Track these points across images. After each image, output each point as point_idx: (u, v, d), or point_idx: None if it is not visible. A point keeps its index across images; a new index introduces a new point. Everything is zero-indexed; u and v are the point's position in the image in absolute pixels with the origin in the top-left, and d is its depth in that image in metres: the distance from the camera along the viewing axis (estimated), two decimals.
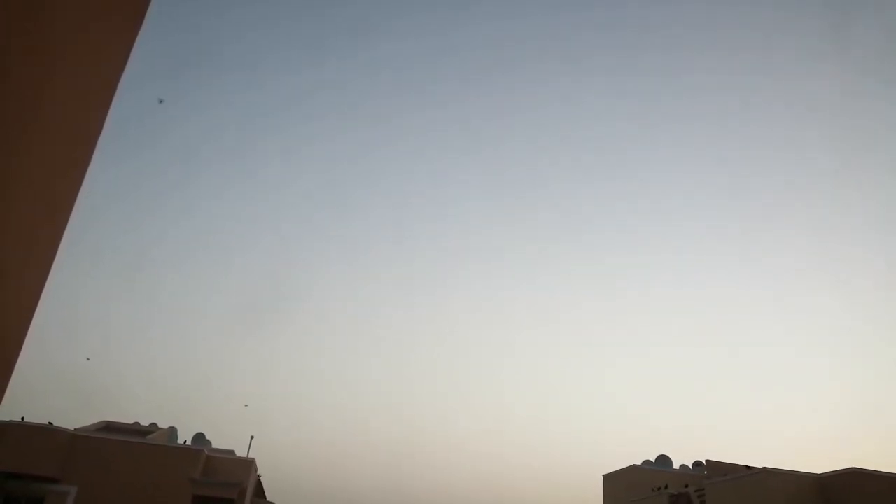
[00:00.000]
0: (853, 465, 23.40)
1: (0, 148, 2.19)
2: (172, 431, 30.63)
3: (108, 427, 29.75)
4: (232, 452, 30.97)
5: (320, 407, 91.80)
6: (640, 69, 71.64)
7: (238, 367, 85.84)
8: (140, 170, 76.25)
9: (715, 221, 78.84)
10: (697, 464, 33.79)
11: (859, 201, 67.13)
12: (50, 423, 25.21)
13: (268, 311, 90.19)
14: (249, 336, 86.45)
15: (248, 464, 28.37)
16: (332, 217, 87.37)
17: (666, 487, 30.15)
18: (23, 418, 25.01)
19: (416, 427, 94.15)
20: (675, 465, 34.24)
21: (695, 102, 72.51)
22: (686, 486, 29.58)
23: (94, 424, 29.54)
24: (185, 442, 30.25)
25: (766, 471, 24.75)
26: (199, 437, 30.41)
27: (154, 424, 31.88)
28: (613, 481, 33.86)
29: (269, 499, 33.32)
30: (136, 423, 31.98)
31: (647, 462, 34.08)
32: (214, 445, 30.70)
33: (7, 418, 23.79)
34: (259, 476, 31.63)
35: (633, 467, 33.07)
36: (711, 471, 29.62)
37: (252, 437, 33.96)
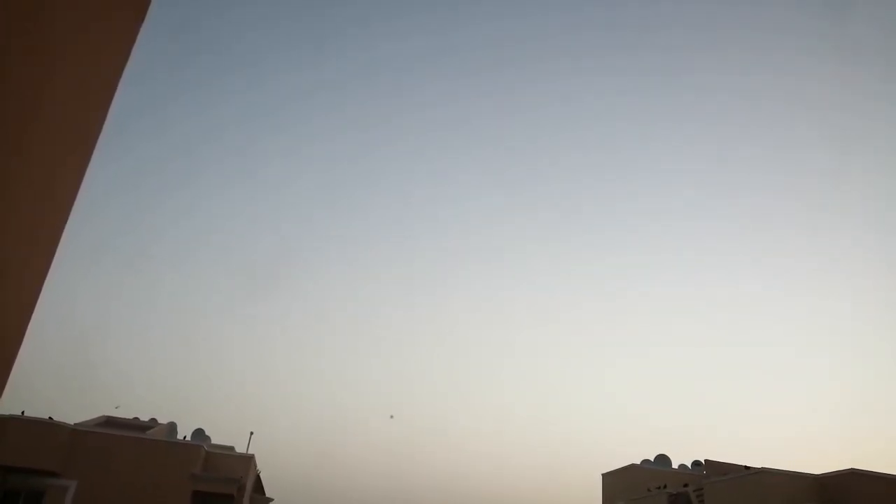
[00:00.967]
0: (852, 466, 23.44)
1: (0, 147, 2.19)
2: (172, 427, 30.66)
3: (109, 422, 29.80)
4: (232, 448, 31.00)
5: (320, 404, 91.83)
6: (640, 68, 71.64)
7: (238, 364, 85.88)
8: (140, 168, 76.25)
9: (714, 221, 78.78)
10: (696, 463, 33.81)
11: (858, 201, 67.12)
12: (50, 418, 25.24)
13: (267, 308, 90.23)
14: (249, 333, 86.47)
15: (248, 460, 28.40)
16: (333, 216, 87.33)
17: (665, 487, 30.16)
18: (23, 412, 25.05)
19: (415, 425, 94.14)
20: (675, 465, 34.27)
21: (694, 102, 72.52)
22: (685, 485, 29.60)
23: (94, 419, 29.59)
24: (184, 437, 30.29)
25: (764, 471, 24.76)
26: (199, 433, 30.46)
27: (154, 420, 31.93)
28: (613, 480, 33.90)
29: (268, 495, 33.36)
30: (136, 419, 32.03)
31: (646, 461, 34.10)
32: (214, 441, 30.75)
33: (7, 413, 23.85)
34: (259, 472, 31.67)
35: (633, 466, 33.09)
36: (710, 470, 29.65)
37: (252, 434, 33.99)
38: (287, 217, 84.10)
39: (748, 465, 27.38)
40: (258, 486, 31.85)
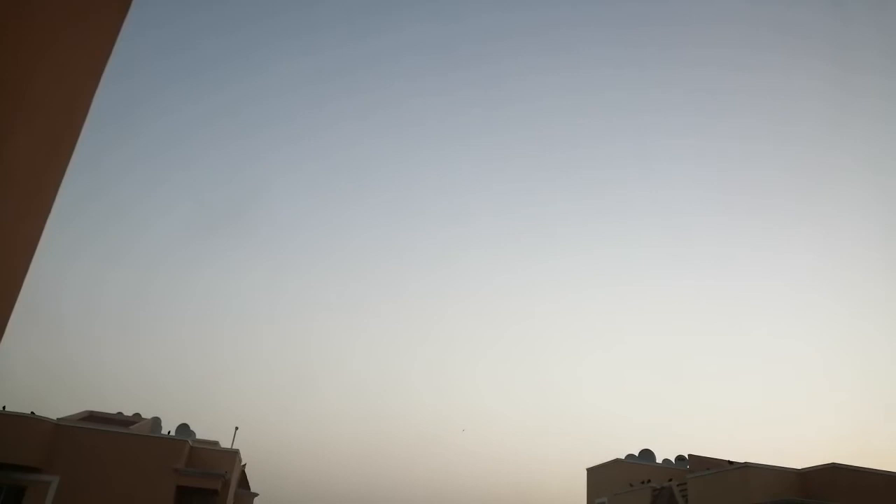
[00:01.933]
0: (834, 461, 23.72)
1: None
2: (156, 422, 30.49)
3: (91, 417, 29.58)
4: (216, 443, 30.89)
5: (305, 399, 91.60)
6: (637, 61, 71.89)
7: (223, 360, 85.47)
8: (123, 163, 75.61)
9: (702, 216, 79.28)
10: (680, 458, 34.05)
11: (853, 194, 67.72)
12: (32, 413, 25.02)
13: (255, 304, 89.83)
14: (235, 329, 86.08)
15: (233, 454, 28.30)
16: (327, 215, 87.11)
17: (649, 481, 30.35)
18: (3, 407, 24.81)
19: (398, 420, 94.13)
20: (659, 460, 34.49)
21: (695, 97, 72.80)
22: (669, 480, 29.80)
23: (76, 414, 29.37)
24: (168, 433, 30.14)
25: (747, 465, 24.98)
26: (183, 428, 30.31)
27: (137, 415, 31.73)
28: (597, 475, 34.05)
29: (253, 489, 33.29)
30: (120, 414, 31.83)
31: (630, 456, 34.29)
32: (198, 436, 30.62)
33: None
34: (244, 466, 31.60)
35: (617, 461, 33.25)
36: (694, 465, 29.85)
37: (237, 429, 33.90)
38: (282, 212, 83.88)
39: (731, 459, 27.62)
40: (243, 481, 31.77)
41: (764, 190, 73.15)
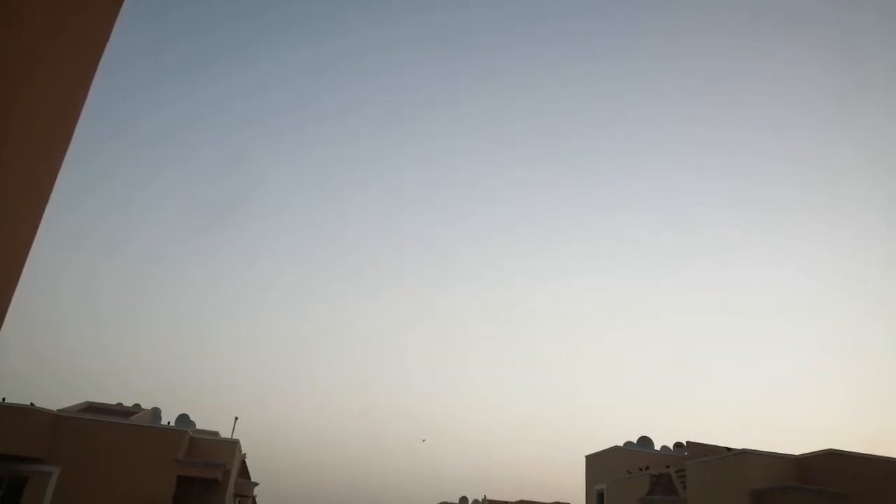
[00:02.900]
0: (831, 447, 23.78)
1: None
2: (156, 412, 30.53)
3: (91, 408, 29.60)
4: (216, 434, 30.94)
5: (303, 390, 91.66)
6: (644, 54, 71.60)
7: (222, 352, 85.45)
8: (119, 157, 75.25)
9: (704, 206, 79.17)
10: (678, 445, 34.18)
11: (852, 187, 67.61)
12: (32, 404, 25.03)
13: (253, 298, 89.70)
14: (232, 321, 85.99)
15: (233, 444, 28.34)
16: (326, 215, 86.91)
17: (647, 468, 30.49)
18: (3, 399, 24.81)
19: (398, 410, 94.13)
20: (657, 447, 34.62)
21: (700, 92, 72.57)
22: (667, 466, 29.93)
23: (76, 405, 29.39)
24: (168, 423, 30.19)
25: (745, 452, 25.05)
26: (183, 419, 30.36)
27: (137, 405, 31.77)
28: (596, 462, 34.18)
29: (253, 479, 33.40)
30: (119, 404, 31.86)
31: (629, 443, 34.42)
32: (198, 427, 30.66)
33: None
34: (244, 456, 31.67)
35: (615, 448, 33.37)
36: (692, 452, 29.96)
37: (236, 419, 34.02)
38: (281, 209, 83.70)
39: (729, 446, 27.71)
40: (244, 471, 31.85)
41: (768, 180, 73.10)
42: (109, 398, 32.08)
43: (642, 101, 74.99)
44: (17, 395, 25.88)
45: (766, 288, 74.83)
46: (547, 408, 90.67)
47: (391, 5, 72.70)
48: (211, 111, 79.78)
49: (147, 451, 25.33)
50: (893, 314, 65.66)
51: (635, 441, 34.74)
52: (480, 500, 51.00)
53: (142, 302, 76.78)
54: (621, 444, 34.19)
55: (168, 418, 30.76)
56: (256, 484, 33.80)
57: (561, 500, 38.05)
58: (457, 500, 56.34)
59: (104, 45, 2.69)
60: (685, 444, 32.12)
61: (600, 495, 32.87)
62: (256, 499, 39.88)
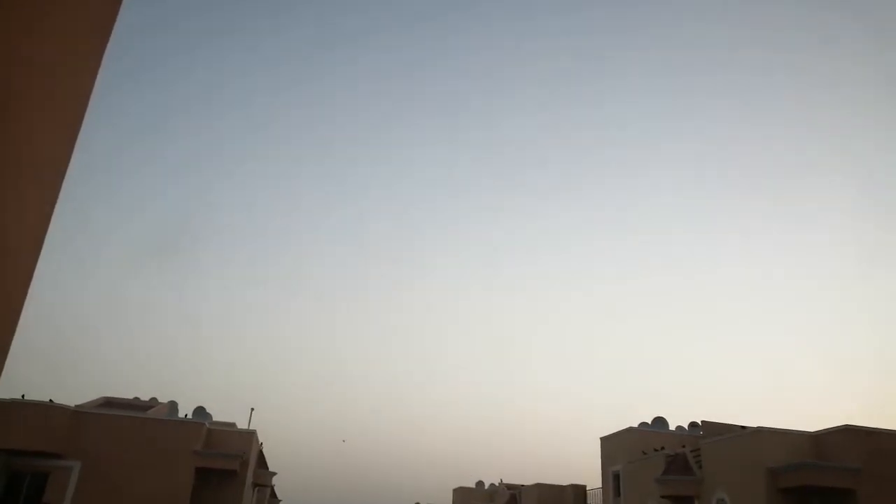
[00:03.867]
0: (847, 423, 23.64)
1: None
2: (173, 405, 30.76)
3: (109, 403, 29.88)
4: (233, 425, 31.18)
5: (321, 380, 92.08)
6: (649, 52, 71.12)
7: (238, 344, 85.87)
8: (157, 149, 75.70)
9: (722, 188, 78.69)
10: (693, 425, 34.12)
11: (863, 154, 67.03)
12: (51, 401, 25.30)
13: (270, 290, 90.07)
14: (248, 315, 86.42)
15: (250, 435, 28.57)
16: (331, 206, 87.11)
17: (662, 449, 30.46)
18: (23, 396, 25.09)
19: (414, 394, 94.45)
20: (672, 427, 34.57)
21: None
22: (682, 446, 29.90)
23: (94, 400, 29.67)
24: (185, 416, 30.43)
25: (760, 430, 24.98)
26: (200, 411, 30.58)
27: (154, 399, 32.02)
28: (611, 444, 34.15)
29: (271, 469, 33.65)
30: (137, 399, 32.12)
31: (643, 424, 34.39)
32: (215, 419, 30.91)
33: (7, 397, 23.88)
34: (261, 446, 31.90)
35: (630, 429, 33.32)
36: (707, 431, 29.91)
37: (252, 410, 34.26)
38: (284, 203, 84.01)
39: (744, 425, 27.63)
40: (261, 461, 32.10)
41: (780, 163, 72.52)
42: (126, 393, 32.35)
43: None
44: (36, 392, 26.17)
45: (782, 270, 74.47)
46: (562, 390, 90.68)
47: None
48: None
49: (165, 444, 25.59)
50: None
51: (650, 422, 34.72)
52: (497, 483, 51.25)
53: (158, 298, 77.31)
54: (636, 425, 34.18)
55: (185, 411, 31.02)
56: (274, 473, 34.06)
57: (577, 483, 38.16)
58: (473, 485, 56.60)
59: (105, 45, 2.73)
60: (700, 423, 32.08)
61: (616, 477, 32.88)
62: (275, 488, 40.23)
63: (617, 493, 32.68)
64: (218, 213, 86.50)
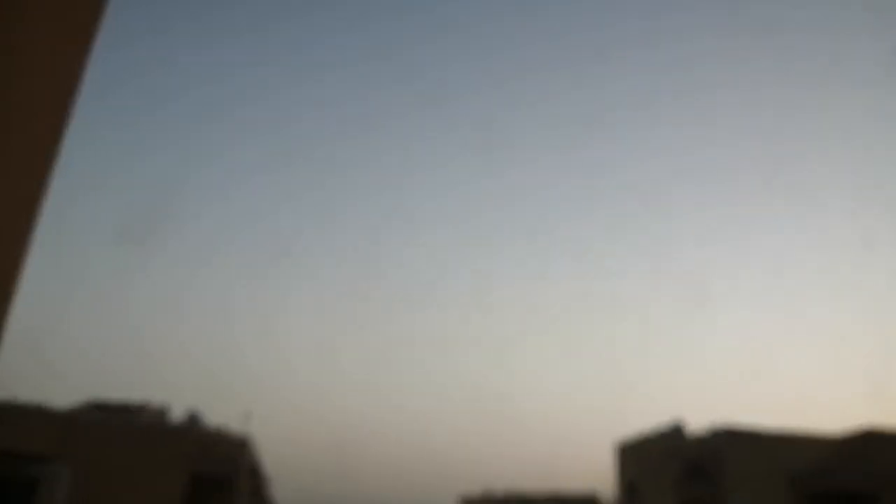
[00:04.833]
0: (871, 427, 23.34)
1: None
2: (164, 409, 30.32)
3: (98, 406, 29.46)
4: (227, 429, 30.66)
5: (315, 383, 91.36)
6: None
7: (231, 345, 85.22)
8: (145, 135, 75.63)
9: (727, 176, 77.62)
10: (712, 429, 33.17)
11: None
12: (39, 406, 24.96)
13: (265, 281, 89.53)
14: (246, 312, 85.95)
15: (244, 440, 28.18)
16: (327, 194, 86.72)
17: (679, 454, 29.74)
18: (15, 397, 24.75)
19: (418, 397, 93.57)
20: (689, 431, 33.68)
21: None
22: (701, 452, 29.11)
23: (83, 403, 29.28)
24: (177, 420, 30.02)
25: (782, 434, 24.58)
26: (193, 416, 30.04)
27: (146, 402, 31.48)
28: (625, 449, 33.61)
29: (268, 475, 33.13)
30: (126, 402, 31.60)
31: (659, 429, 33.55)
32: (208, 423, 30.40)
33: None
34: (256, 452, 31.34)
35: (646, 435, 32.71)
36: (726, 436, 29.20)
37: (247, 414, 33.41)
38: (282, 195, 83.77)
39: (764, 426, 27.03)
40: (257, 467, 31.55)
41: (795, 145, 71.38)
42: (114, 394, 31.79)
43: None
44: (24, 394, 25.74)
45: (797, 261, 73.32)
46: (574, 394, 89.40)
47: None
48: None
49: (158, 448, 25.14)
50: None
51: (666, 426, 33.76)
52: (505, 491, 50.12)
53: (148, 295, 76.66)
54: (652, 430, 33.32)
55: (177, 413, 30.56)
56: (271, 480, 33.52)
57: (587, 489, 37.27)
58: (479, 492, 55.45)
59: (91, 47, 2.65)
60: (719, 426, 31.14)
61: (631, 484, 32.23)
62: (272, 495, 39.44)
63: (632, 500, 32.02)
64: (206, 202, 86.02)
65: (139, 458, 24.65)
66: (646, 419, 47.28)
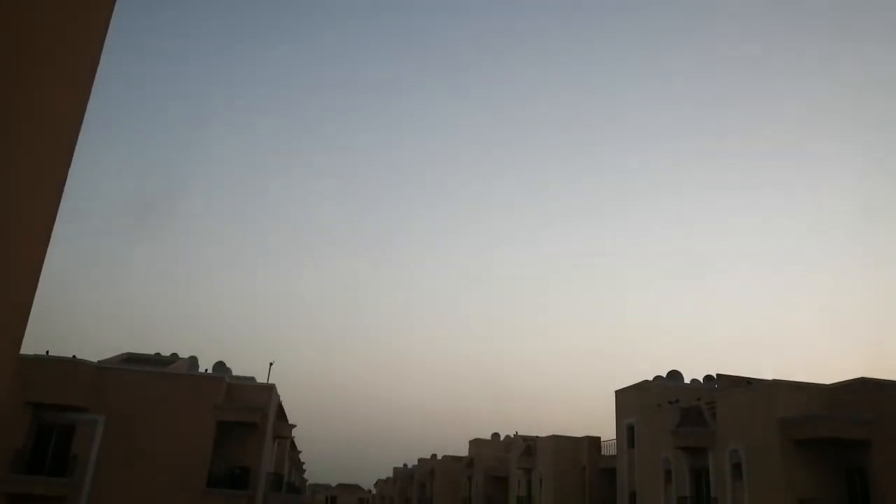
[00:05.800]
0: (863, 375, 23.57)
1: None
2: (193, 361, 31.23)
3: (130, 358, 30.38)
4: (253, 379, 31.65)
5: (339, 336, 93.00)
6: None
7: (256, 298, 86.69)
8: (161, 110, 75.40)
9: (733, 139, 77.55)
10: (708, 378, 34.24)
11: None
12: (74, 357, 25.77)
13: (285, 243, 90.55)
14: (269, 268, 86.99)
15: (269, 389, 29.06)
16: (343, 170, 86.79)
17: (677, 401, 30.64)
18: (47, 352, 25.56)
19: (430, 346, 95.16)
20: (686, 380, 34.72)
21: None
22: (697, 399, 30.07)
23: (116, 356, 30.17)
24: (206, 370, 30.91)
25: (775, 382, 25.02)
26: (220, 366, 31.05)
27: (175, 354, 32.49)
28: (625, 396, 34.33)
29: (291, 421, 34.27)
30: (158, 354, 32.63)
31: (658, 377, 34.55)
32: (235, 373, 31.38)
33: (31, 353, 24.32)
34: (280, 400, 32.45)
35: (645, 383, 33.47)
36: (722, 384, 30.02)
37: (272, 364, 34.78)
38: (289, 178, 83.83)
39: (759, 377, 27.70)
40: (280, 414, 32.65)
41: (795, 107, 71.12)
42: (147, 349, 32.86)
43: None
44: (57, 349, 26.65)
45: (791, 218, 73.71)
46: (576, 344, 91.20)
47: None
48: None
49: (187, 397, 26.11)
50: None
51: (665, 375, 34.88)
52: (512, 436, 51.97)
53: (176, 254, 77.87)
54: (651, 377, 34.35)
55: (205, 366, 31.51)
56: (294, 426, 34.69)
57: (592, 434, 38.56)
58: (489, 437, 57.50)
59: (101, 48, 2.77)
60: (715, 376, 32.21)
61: (630, 429, 33.13)
62: (295, 440, 41.05)
63: (631, 444, 33.02)
64: (223, 166, 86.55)
65: (170, 406, 25.58)
66: (646, 371, 48.65)
